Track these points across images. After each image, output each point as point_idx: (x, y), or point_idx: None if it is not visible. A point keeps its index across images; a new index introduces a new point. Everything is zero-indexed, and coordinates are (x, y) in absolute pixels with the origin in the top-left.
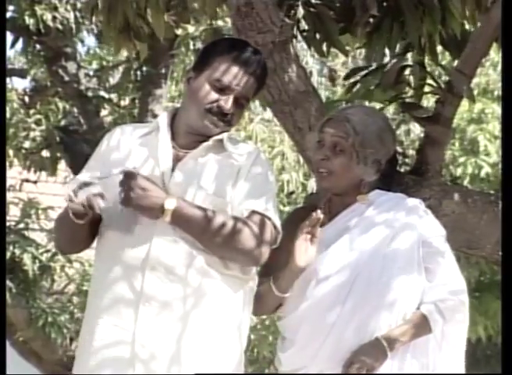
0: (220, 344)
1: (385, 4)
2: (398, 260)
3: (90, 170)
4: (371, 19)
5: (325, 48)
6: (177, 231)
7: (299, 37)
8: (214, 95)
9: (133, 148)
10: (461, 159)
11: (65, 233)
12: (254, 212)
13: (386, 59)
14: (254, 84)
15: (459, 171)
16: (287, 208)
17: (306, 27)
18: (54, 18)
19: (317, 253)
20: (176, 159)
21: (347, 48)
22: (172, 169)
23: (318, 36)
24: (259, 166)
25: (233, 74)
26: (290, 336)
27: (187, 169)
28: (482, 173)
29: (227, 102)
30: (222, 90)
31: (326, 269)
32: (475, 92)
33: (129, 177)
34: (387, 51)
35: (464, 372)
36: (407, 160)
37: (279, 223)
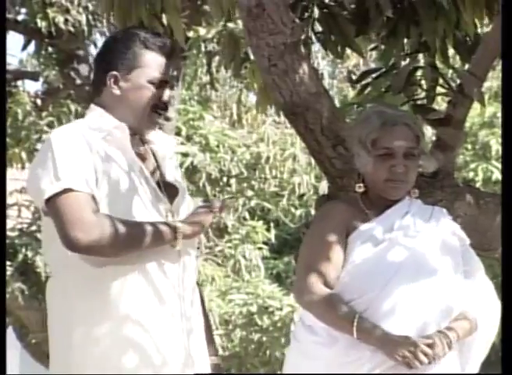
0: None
1: (399, 5)
2: (450, 256)
3: (88, 182)
4: (385, 20)
5: (339, 49)
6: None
7: (313, 39)
8: (156, 92)
9: (99, 148)
10: (472, 165)
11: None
12: None
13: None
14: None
15: (471, 175)
16: (299, 212)
17: (320, 29)
18: (66, 20)
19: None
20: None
21: None
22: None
23: (332, 37)
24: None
25: (161, 66)
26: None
27: (168, 167)
28: (493, 178)
29: (167, 95)
30: (160, 85)
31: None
32: (487, 96)
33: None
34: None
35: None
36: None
37: None
